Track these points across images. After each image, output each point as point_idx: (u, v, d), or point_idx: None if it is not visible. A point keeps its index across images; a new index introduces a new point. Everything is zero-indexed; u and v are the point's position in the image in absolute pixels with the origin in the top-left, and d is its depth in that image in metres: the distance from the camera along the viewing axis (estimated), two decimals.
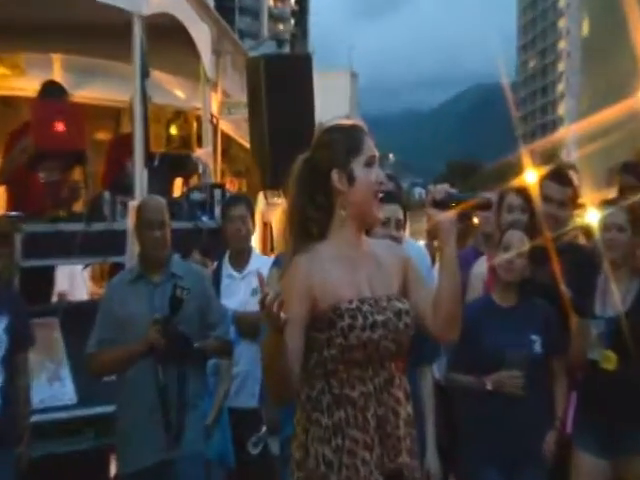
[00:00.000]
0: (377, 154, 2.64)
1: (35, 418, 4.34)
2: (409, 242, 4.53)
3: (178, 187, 7.21)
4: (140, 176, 5.65)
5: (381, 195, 2.63)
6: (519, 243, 3.97)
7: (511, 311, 3.98)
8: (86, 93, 7.73)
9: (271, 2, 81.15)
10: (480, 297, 4.23)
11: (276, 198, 6.52)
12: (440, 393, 4.14)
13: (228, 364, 4.66)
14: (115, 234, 5.48)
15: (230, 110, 9.82)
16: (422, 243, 6.69)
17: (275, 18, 79.94)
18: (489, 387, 3.83)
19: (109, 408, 4.36)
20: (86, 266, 6.66)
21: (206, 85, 8.05)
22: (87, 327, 4.13)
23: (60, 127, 5.73)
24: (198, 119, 7.36)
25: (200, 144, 7.48)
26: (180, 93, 8.70)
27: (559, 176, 4.36)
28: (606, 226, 3.89)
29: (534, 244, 4.02)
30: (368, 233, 2.76)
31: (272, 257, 5.45)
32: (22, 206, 5.84)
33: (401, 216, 3.82)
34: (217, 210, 6.08)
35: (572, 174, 4.40)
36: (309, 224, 2.60)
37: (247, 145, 8.48)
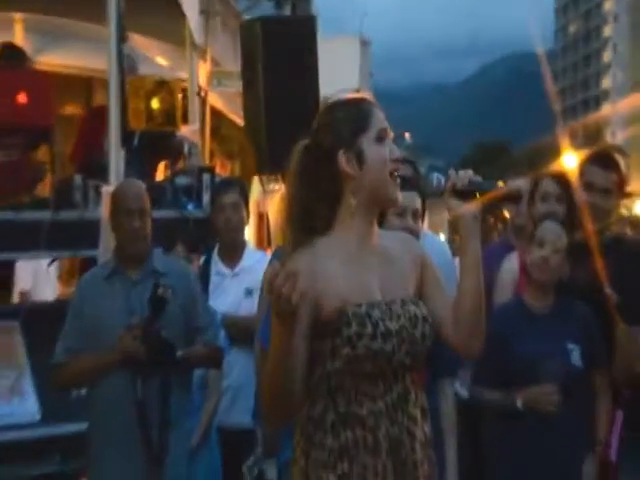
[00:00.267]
0: (388, 127, 2.64)
1: None
2: (429, 236, 4.54)
3: (160, 170, 7.23)
4: (116, 157, 5.67)
5: (397, 177, 2.62)
6: (555, 237, 3.97)
7: (546, 316, 3.98)
8: (53, 59, 7.76)
9: None
10: (510, 300, 4.24)
11: (274, 184, 6.54)
12: (463, 411, 4.15)
13: (217, 375, 4.69)
14: (87, 224, 5.50)
15: (221, 81, 9.82)
16: (443, 237, 6.72)
17: None
18: (520, 404, 3.83)
19: (79, 427, 4.39)
20: (53, 261, 6.68)
21: (193, 52, 8.07)
22: (53, 332, 4.13)
23: (21, 99, 5.75)
24: (184, 92, 7.37)
25: (186, 121, 7.49)
26: (163, 61, 8.72)
27: (603, 160, 4.36)
28: None
29: (573, 238, 4.02)
30: (380, 224, 2.76)
31: (268, 252, 5.48)
32: None
33: (419, 205, 3.82)
34: (205, 197, 6.10)
35: (618, 157, 4.40)
36: (312, 218, 2.60)
37: (240, 122, 8.49)
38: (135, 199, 4.15)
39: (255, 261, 5.11)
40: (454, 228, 2.72)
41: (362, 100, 2.68)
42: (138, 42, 8.03)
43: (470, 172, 2.66)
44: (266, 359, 2.56)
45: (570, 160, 4.90)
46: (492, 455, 4.06)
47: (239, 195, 5.16)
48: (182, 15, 7.29)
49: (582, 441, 3.89)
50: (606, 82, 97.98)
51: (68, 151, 6.94)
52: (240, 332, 4.79)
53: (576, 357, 3.88)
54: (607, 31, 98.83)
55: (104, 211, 5.10)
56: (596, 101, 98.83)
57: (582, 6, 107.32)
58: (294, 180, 2.63)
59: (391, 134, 2.67)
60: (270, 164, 5.81)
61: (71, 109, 8.54)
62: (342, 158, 2.57)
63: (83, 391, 4.46)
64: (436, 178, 2.70)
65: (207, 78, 9.30)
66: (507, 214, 5.06)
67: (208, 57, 9.25)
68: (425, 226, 4.56)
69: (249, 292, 5.01)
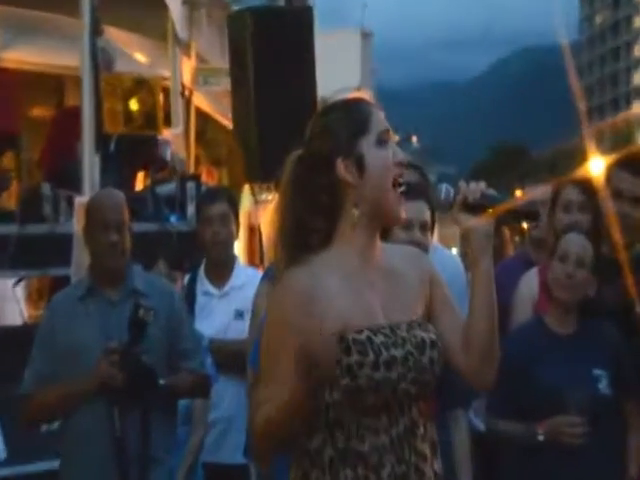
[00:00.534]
0: (390, 128, 2.65)
1: None
2: (439, 250, 4.54)
3: (140, 179, 7.26)
4: (90, 164, 5.69)
5: (402, 187, 2.62)
6: (580, 251, 3.97)
7: (570, 339, 3.99)
8: (20, 55, 7.77)
9: None
10: (529, 321, 4.25)
11: (266, 194, 6.56)
12: (478, 444, 4.17)
13: (204, 406, 4.69)
14: (57, 239, 5.51)
15: (207, 80, 9.87)
16: (455, 252, 6.73)
17: None
18: (541, 437, 3.84)
19: (49, 465, 4.40)
20: (19, 280, 6.69)
21: (176, 47, 8.10)
22: (20, 359, 4.14)
23: None
24: (165, 91, 7.42)
25: (168, 123, 7.53)
26: (142, 57, 8.75)
27: (633, 165, 4.38)
28: None
29: (599, 252, 4.02)
30: (385, 237, 2.77)
31: (261, 270, 5.48)
32: None
33: (427, 217, 3.84)
34: (190, 208, 6.13)
35: None
36: (308, 233, 2.61)
37: (229, 125, 8.53)
38: (113, 211, 4.15)
39: (246, 279, 5.11)
40: (467, 242, 2.73)
41: (359, 100, 2.70)
42: (115, 36, 8.07)
43: (482, 184, 2.66)
44: (258, 386, 2.57)
45: (596, 165, 4.93)
46: None
47: (227, 206, 5.16)
48: (164, 6, 7.34)
49: (612, 476, 3.90)
50: (637, 78, 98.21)
51: (36, 157, 6.97)
52: (230, 358, 4.79)
53: (604, 384, 3.88)
54: (638, 21, 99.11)
55: (77, 224, 5.11)
56: (626, 99, 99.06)
57: None
58: (287, 191, 2.64)
59: (394, 137, 2.69)
60: (262, 171, 5.83)
61: (40, 111, 8.56)
62: (340, 165, 2.58)
63: (54, 425, 4.47)
64: (445, 190, 2.69)
65: (191, 76, 9.33)
66: (525, 225, 5.08)
67: (192, 53, 9.29)
68: (435, 239, 4.58)
69: (239, 314, 5.02)
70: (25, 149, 6.50)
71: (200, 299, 5.13)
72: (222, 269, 5.18)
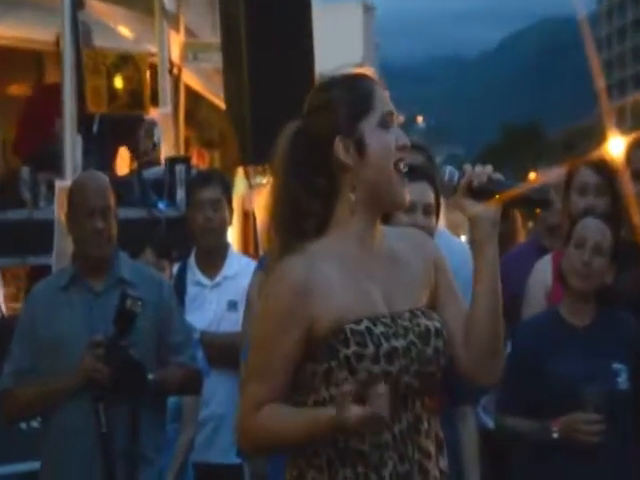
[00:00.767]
0: (394, 110, 2.66)
1: None
2: (444, 235, 4.54)
3: (125, 161, 7.26)
4: (72, 146, 5.70)
5: (405, 168, 2.63)
6: (597, 236, 3.97)
7: (586, 331, 4.01)
8: None
9: None
10: (543, 312, 4.27)
11: (261, 178, 6.58)
12: (488, 442, 4.19)
13: (195, 403, 4.72)
14: (37, 225, 5.52)
15: (197, 56, 9.87)
16: (463, 239, 6.74)
17: None
18: (556, 435, 3.85)
19: (30, 466, 4.42)
20: None
21: (163, 20, 8.10)
22: None
23: None
24: (152, 68, 7.41)
25: (156, 102, 7.54)
26: (127, 31, 8.75)
27: None
28: None
29: (618, 237, 4.02)
30: (386, 221, 2.79)
31: (255, 259, 5.49)
32: None
33: (431, 199, 3.85)
34: (180, 193, 6.13)
35: None
36: (304, 217, 2.62)
37: (221, 105, 8.54)
38: (97, 195, 4.15)
39: (239, 268, 5.13)
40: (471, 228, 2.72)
41: (363, 78, 2.69)
42: (97, 9, 8.08)
43: (489, 168, 2.65)
44: (250, 382, 2.59)
45: (616, 145, 4.93)
46: None
47: (220, 190, 5.18)
48: None
49: (631, 476, 3.91)
50: None
51: (13, 139, 6.98)
52: (222, 352, 4.82)
53: (623, 379, 3.89)
54: None
55: (58, 210, 5.12)
56: None
57: None
58: (282, 171, 2.65)
59: (398, 118, 2.68)
60: (256, 154, 5.84)
61: (18, 89, 8.55)
62: (339, 145, 2.59)
63: (35, 423, 4.49)
64: (449, 172, 2.67)
65: (180, 52, 9.33)
66: (537, 209, 5.09)
67: (181, 26, 9.28)
68: (442, 225, 4.59)
69: (232, 305, 5.04)
70: (1, 130, 6.50)
71: (191, 289, 5.15)
72: (214, 258, 5.19)
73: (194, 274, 5.19)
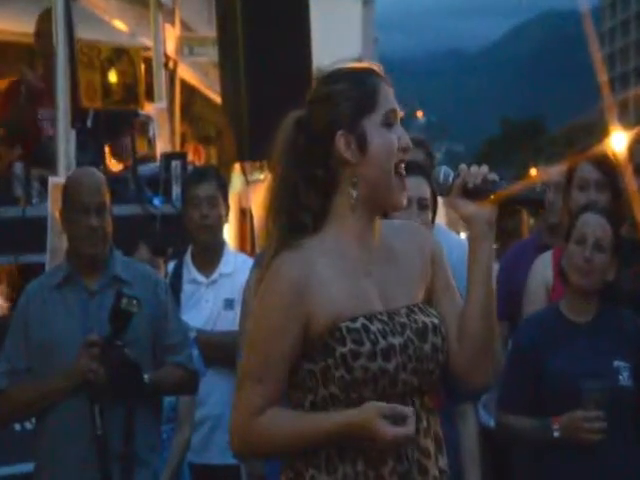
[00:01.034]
0: (398, 108, 2.66)
1: None
2: (442, 231, 4.55)
3: (120, 157, 7.26)
4: (66, 141, 5.69)
5: (404, 172, 2.63)
6: (598, 233, 3.97)
7: (588, 328, 4.01)
8: None
9: None
10: (544, 309, 4.28)
11: (258, 174, 6.58)
12: (488, 441, 4.20)
13: (190, 403, 4.72)
14: (30, 223, 5.51)
15: (193, 50, 9.86)
16: (463, 236, 6.75)
17: None
18: (557, 433, 3.86)
19: (23, 468, 4.42)
20: None
21: (158, 13, 8.10)
22: None
23: None
24: (147, 62, 7.41)
25: (151, 97, 7.54)
26: (121, 25, 8.75)
27: None
28: None
29: (619, 233, 4.03)
30: (382, 215, 2.77)
31: (251, 257, 5.50)
32: None
33: (427, 194, 3.86)
34: (175, 189, 6.14)
35: None
36: (301, 210, 2.62)
37: (218, 100, 8.53)
38: (92, 192, 4.15)
39: (236, 266, 5.14)
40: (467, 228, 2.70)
41: (369, 73, 2.68)
42: (91, 2, 8.08)
43: (485, 168, 2.65)
44: (248, 381, 2.58)
45: (618, 140, 4.94)
46: None
47: (216, 186, 5.18)
48: None
49: (633, 476, 3.91)
50: None
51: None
52: (219, 351, 4.83)
53: (625, 376, 3.90)
54: None
55: (52, 207, 5.12)
56: None
57: None
58: (281, 160, 2.65)
59: (400, 114, 2.68)
60: (253, 149, 5.85)
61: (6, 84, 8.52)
62: (341, 140, 2.59)
63: (29, 424, 4.50)
64: (444, 172, 2.68)
65: (176, 46, 9.33)
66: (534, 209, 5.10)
67: (177, 20, 9.27)
68: (442, 222, 4.59)
69: (229, 303, 5.05)
70: None
71: (186, 287, 5.15)
72: (210, 255, 5.20)
73: (190, 272, 5.19)
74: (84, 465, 3.94)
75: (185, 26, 9.74)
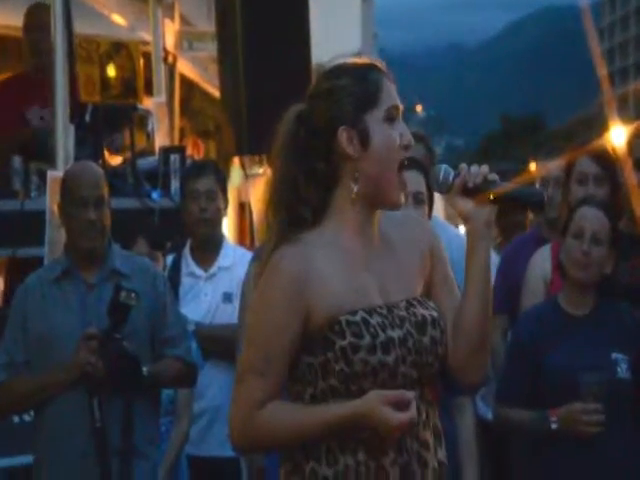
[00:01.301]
0: (400, 104, 2.67)
1: None
2: (439, 225, 4.54)
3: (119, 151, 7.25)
4: (64, 135, 5.68)
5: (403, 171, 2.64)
6: (596, 226, 3.98)
7: (586, 321, 4.03)
8: None
9: None
10: (542, 302, 4.29)
11: (257, 168, 6.58)
12: (486, 433, 4.21)
13: (189, 396, 4.73)
14: (29, 216, 5.51)
15: (192, 44, 9.85)
16: (463, 231, 6.77)
17: None
18: (554, 426, 3.87)
19: (23, 460, 4.43)
20: None
21: (157, 7, 8.10)
22: None
23: None
24: (146, 56, 7.40)
25: (150, 92, 7.53)
26: (120, 19, 8.74)
27: None
28: None
29: (617, 227, 4.04)
30: None
31: (250, 251, 5.50)
32: None
33: (422, 188, 3.87)
34: (174, 183, 6.14)
35: None
36: (301, 203, 2.62)
37: (216, 94, 8.53)
38: (91, 186, 4.16)
39: (235, 260, 5.14)
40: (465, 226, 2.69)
41: (372, 68, 2.68)
42: None
43: (485, 168, 2.65)
44: (248, 376, 2.58)
45: (617, 134, 4.94)
46: None
47: (215, 180, 5.18)
48: None
49: (631, 469, 3.92)
50: None
51: None
52: (217, 344, 4.84)
53: (623, 369, 3.92)
54: None
55: (50, 200, 5.13)
56: None
57: None
58: (282, 153, 2.66)
59: (402, 113, 2.68)
60: (252, 143, 5.84)
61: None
62: (343, 135, 2.60)
63: (28, 416, 4.50)
64: (444, 171, 2.68)
65: (175, 40, 9.31)
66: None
67: (176, 14, 9.26)
68: (441, 217, 4.60)
69: (227, 297, 5.05)
70: None
71: (185, 281, 5.16)
72: (209, 249, 5.20)
73: (188, 265, 5.20)
74: (83, 458, 3.95)
75: (184, 21, 9.72)
